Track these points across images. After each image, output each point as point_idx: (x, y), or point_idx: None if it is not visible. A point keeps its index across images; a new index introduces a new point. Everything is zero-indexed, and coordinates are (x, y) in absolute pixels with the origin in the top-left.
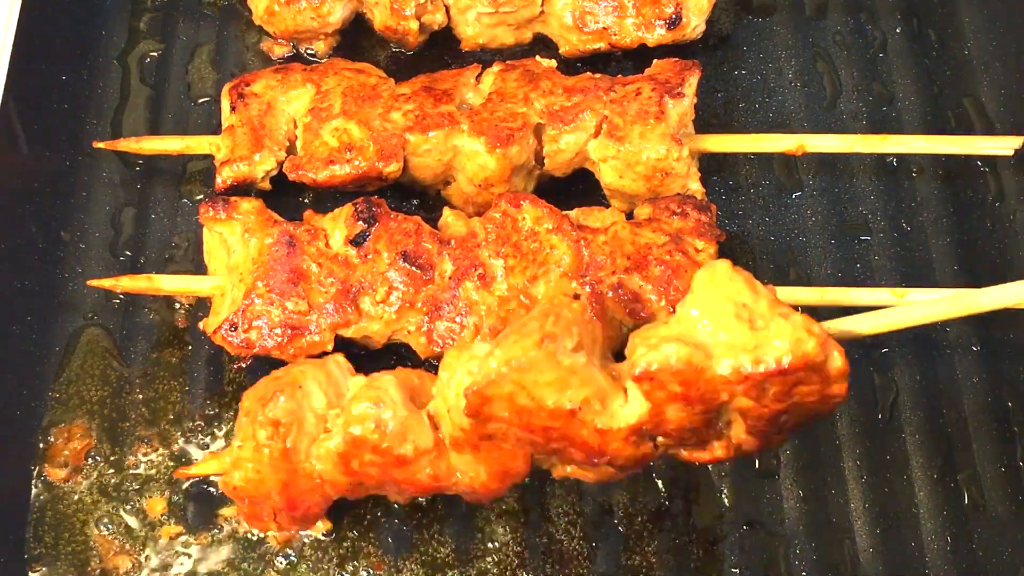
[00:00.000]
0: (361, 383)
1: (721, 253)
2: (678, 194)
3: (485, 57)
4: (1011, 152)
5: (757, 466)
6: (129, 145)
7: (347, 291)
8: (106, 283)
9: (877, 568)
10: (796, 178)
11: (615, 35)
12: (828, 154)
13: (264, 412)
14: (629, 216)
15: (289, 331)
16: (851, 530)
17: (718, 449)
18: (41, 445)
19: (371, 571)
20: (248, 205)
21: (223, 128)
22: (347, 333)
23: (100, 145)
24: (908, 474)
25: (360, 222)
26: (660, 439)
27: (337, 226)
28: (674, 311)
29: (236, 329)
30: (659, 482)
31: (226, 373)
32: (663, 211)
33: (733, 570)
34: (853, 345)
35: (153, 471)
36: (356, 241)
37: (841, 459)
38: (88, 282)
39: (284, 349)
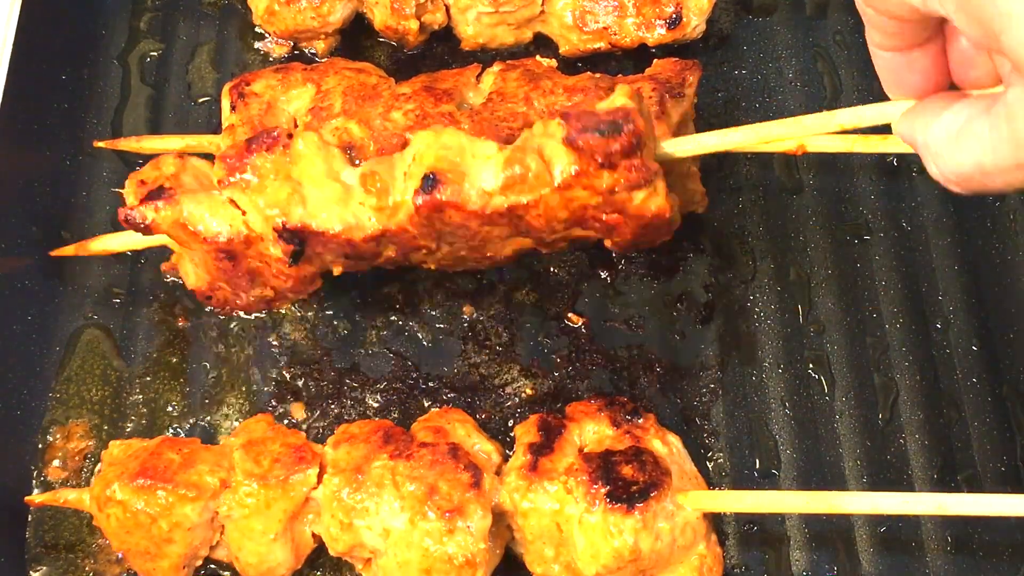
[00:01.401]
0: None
1: (721, 253)
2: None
3: (485, 57)
4: None
5: (757, 466)
6: (129, 144)
7: None
8: (68, 250)
9: (877, 568)
10: (796, 178)
11: (615, 35)
12: (828, 154)
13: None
14: None
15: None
16: (851, 529)
17: None
18: (41, 445)
19: None
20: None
21: (223, 128)
22: None
23: (100, 144)
24: (908, 474)
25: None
26: None
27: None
28: None
29: (209, 299)
30: None
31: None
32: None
33: (734, 570)
34: (854, 344)
35: None
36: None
37: (841, 459)
38: (51, 253)
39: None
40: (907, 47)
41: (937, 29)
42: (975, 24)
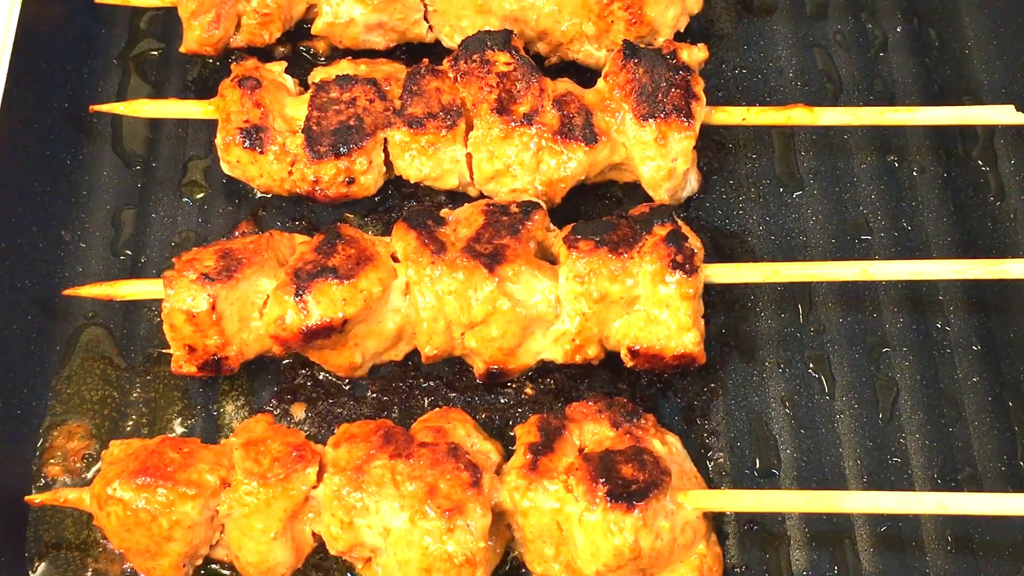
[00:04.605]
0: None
1: (721, 253)
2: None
3: None
4: (1012, 116)
5: (757, 465)
6: (120, 108)
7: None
8: (82, 291)
9: (877, 568)
10: (796, 178)
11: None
12: (828, 154)
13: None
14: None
15: None
16: (851, 530)
17: None
18: (41, 445)
19: None
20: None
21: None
22: None
23: (97, 109)
24: (908, 474)
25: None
26: None
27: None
28: None
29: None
30: None
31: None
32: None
33: (734, 570)
34: (854, 344)
35: None
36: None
37: (841, 459)
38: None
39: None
40: None
41: None
42: None
